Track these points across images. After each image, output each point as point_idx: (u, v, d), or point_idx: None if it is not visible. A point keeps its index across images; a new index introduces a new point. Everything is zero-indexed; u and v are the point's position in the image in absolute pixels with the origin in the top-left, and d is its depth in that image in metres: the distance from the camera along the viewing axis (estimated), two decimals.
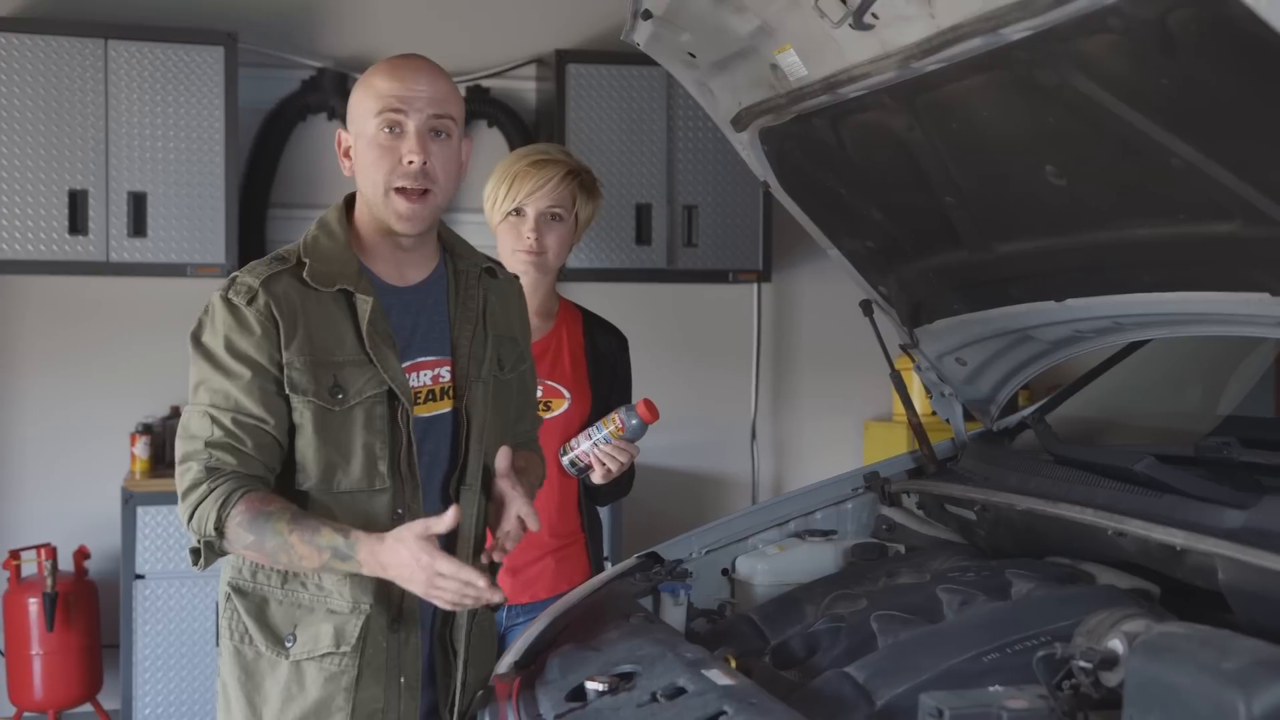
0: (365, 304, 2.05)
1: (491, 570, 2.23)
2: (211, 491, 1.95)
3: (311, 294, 2.04)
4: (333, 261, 2.07)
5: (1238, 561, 1.89)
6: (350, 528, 1.95)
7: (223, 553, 2.00)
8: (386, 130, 2.05)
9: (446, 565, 1.89)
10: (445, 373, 2.15)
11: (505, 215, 2.76)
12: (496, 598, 1.92)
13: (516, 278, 2.36)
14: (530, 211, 2.75)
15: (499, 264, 2.31)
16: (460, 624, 2.15)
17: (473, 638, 2.17)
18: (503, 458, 2.11)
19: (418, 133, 2.05)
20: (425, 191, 2.06)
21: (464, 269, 2.22)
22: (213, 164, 4.66)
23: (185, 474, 1.99)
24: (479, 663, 2.20)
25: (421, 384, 2.11)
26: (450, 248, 2.23)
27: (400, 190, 2.05)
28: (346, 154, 2.14)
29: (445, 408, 2.14)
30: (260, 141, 5.04)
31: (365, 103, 2.08)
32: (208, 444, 1.97)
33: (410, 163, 2.04)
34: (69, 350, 4.96)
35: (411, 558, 1.89)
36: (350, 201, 2.17)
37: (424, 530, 1.90)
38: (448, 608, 1.96)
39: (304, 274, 2.04)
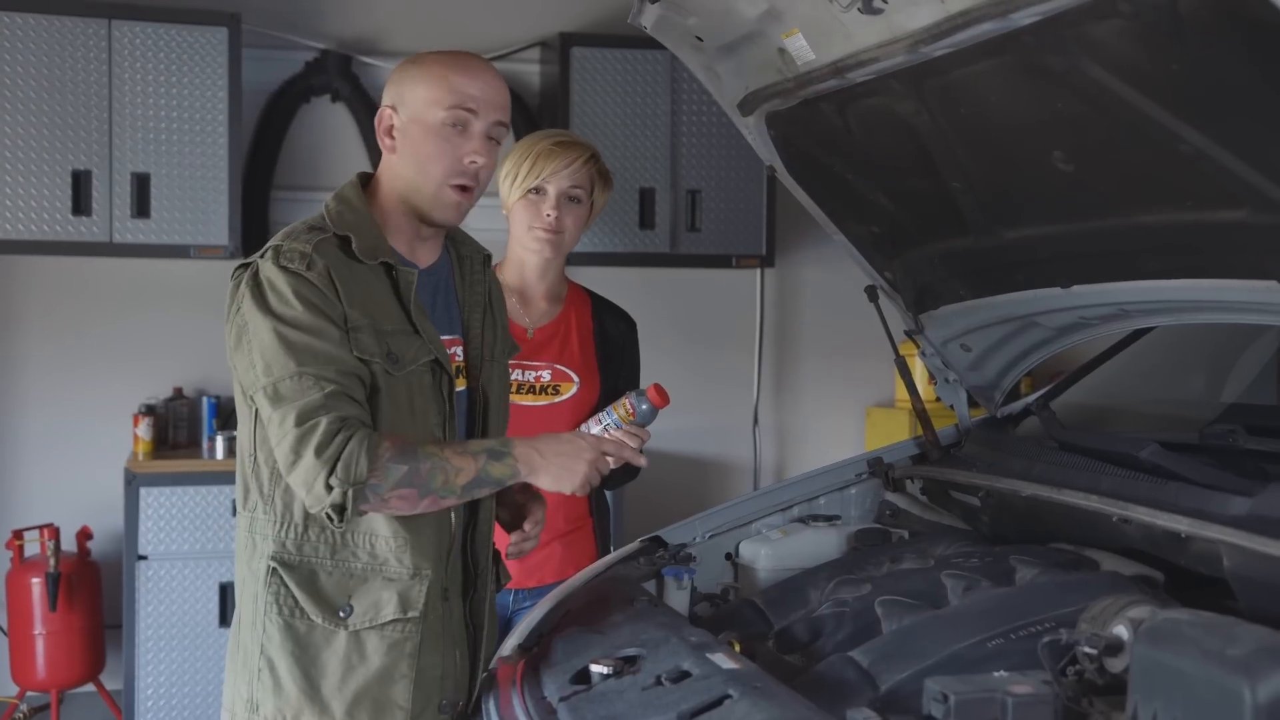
0: (409, 276, 2.06)
1: (495, 558, 2.25)
2: (352, 437, 1.91)
3: (355, 265, 2.03)
4: (366, 235, 2.06)
5: (1242, 548, 1.90)
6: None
7: (363, 503, 1.94)
8: (452, 125, 2.05)
9: (610, 443, 2.10)
10: (459, 352, 2.18)
11: (526, 192, 2.75)
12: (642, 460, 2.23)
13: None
14: (552, 190, 2.75)
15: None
16: (484, 596, 2.16)
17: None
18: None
19: (483, 135, 2.07)
20: (469, 188, 2.09)
21: (467, 255, 2.24)
22: (216, 145, 4.66)
23: (310, 432, 1.91)
24: (492, 642, 2.21)
25: None
26: (451, 235, 2.24)
27: (454, 185, 2.07)
28: (389, 132, 2.11)
29: (461, 386, 2.16)
30: (264, 123, 5.04)
31: (434, 92, 2.06)
32: (327, 397, 1.92)
33: (473, 163, 2.06)
34: (72, 331, 4.96)
35: (573, 434, 2.11)
36: (363, 180, 2.16)
37: None
38: (597, 478, 2.06)
39: (351, 246, 2.03)
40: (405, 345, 2.04)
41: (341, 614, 2.01)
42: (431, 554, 2.04)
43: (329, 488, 1.90)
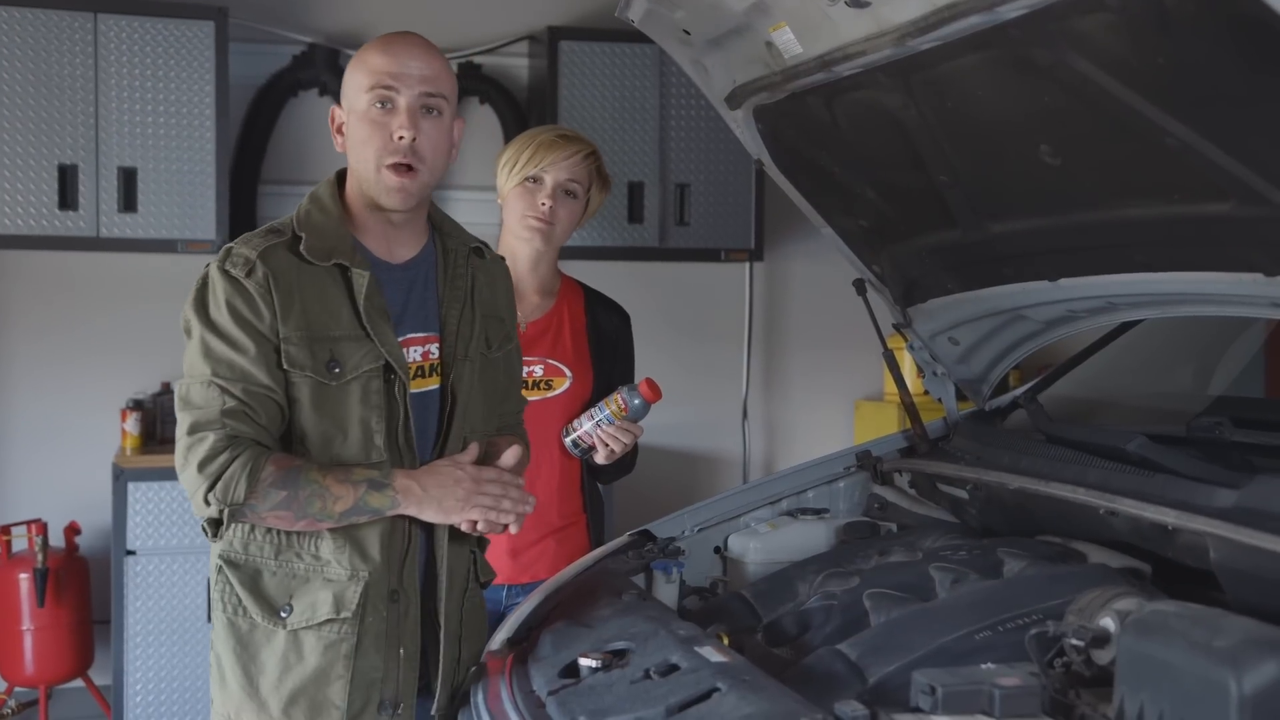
0: (361, 278, 2.04)
1: (480, 546, 2.24)
2: (236, 458, 1.94)
3: (307, 268, 2.03)
4: (327, 236, 2.06)
5: (1229, 540, 1.90)
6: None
7: (241, 519, 1.98)
8: (378, 106, 2.06)
9: (490, 470, 2.06)
10: (434, 349, 2.15)
11: (522, 180, 2.75)
12: (529, 506, 2.08)
13: (503, 259, 2.35)
14: (549, 180, 2.74)
15: (486, 245, 2.30)
16: (442, 595, 2.13)
17: (464, 613, 2.18)
18: (469, 453, 2.11)
19: (408, 109, 2.06)
20: (413, 168, 2.06)
21: (453, 248, 2.21)
22: (203, 139, 4.64)
23: (199, 444, 1.95)
24: (472, 639, 2.20)
25: (411, 360, 2.11)
26: (439, 226, 2.23)
27: (390, 166, 2.06)
28: (339, 130, 2.14)
29: (433, 384, 2.14)
30: (251, 117, 5.02)
31: (358, 79, 2.09)
32: (224, 413, 1.96)
33: (400, 138, 2.05)
34: (59, 326, 4.95)
35: (453, 466, 2.05)
36: (341, 177, 2.17)
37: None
38: (481, 521, 2.04)
39: (300, 248, 2.03)
40: (351, 351, 2.03)
41: (282, 614, 2.03)
42: (379, 556, 2.03)
43: (207, 503, 1.95)
